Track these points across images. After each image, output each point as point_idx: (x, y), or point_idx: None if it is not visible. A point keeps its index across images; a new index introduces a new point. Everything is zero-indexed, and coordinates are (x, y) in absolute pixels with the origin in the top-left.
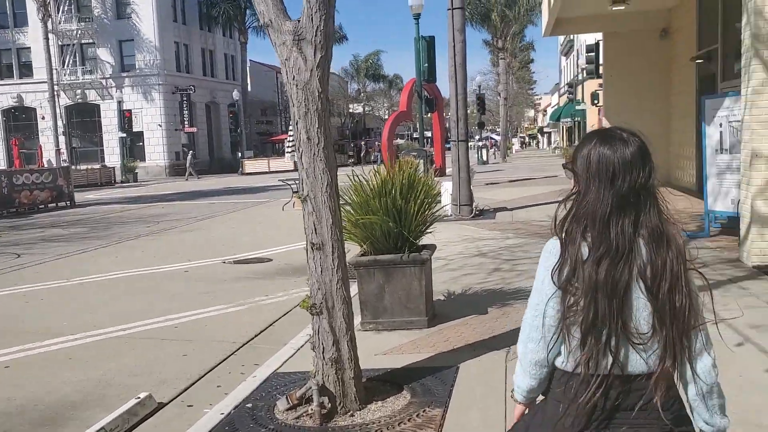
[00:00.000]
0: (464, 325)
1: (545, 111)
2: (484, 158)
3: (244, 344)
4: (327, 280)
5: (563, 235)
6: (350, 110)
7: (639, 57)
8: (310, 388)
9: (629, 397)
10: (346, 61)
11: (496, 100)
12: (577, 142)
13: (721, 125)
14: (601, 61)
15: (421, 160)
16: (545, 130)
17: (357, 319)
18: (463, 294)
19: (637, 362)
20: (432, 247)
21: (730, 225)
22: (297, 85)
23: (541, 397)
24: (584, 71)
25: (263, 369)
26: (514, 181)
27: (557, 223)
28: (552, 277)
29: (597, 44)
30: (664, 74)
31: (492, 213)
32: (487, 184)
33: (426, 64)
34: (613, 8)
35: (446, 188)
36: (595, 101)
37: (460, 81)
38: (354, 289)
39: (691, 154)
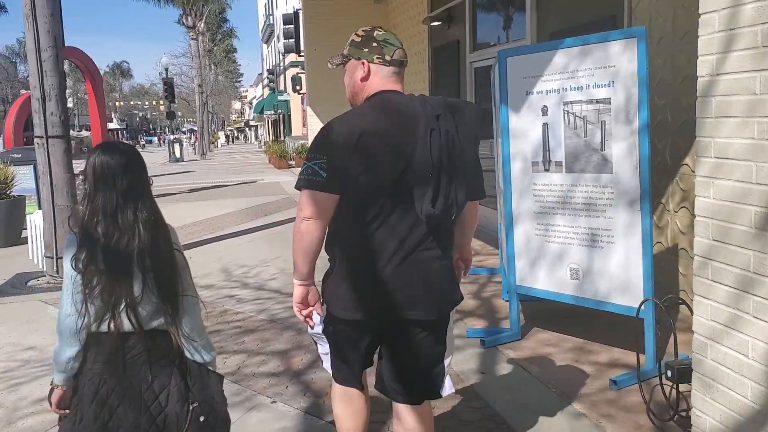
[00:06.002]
0: None
1: (251, 103)
2: (178, 155)
3: None
4: None
5: (83, 229)
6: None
7: (350, 27)
8: None
9: (155, 347)
10: (12, 39)
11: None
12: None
13: (545, 111)
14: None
15: (32, 167)
16: (251, 123)
17: None
18: None
19: (149, 319)
20: None
21: (557, 321)
22: None
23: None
24: (284, 55)
25: None
26: (197, 190)
27: (71, 219)
28: (73, 264)
29: (296, 13)
30: None
31: None
32: (155, 197)
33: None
34: None
35: (36, 224)
36: (297, 87)
37: (43, 25)
38: None
39: None
